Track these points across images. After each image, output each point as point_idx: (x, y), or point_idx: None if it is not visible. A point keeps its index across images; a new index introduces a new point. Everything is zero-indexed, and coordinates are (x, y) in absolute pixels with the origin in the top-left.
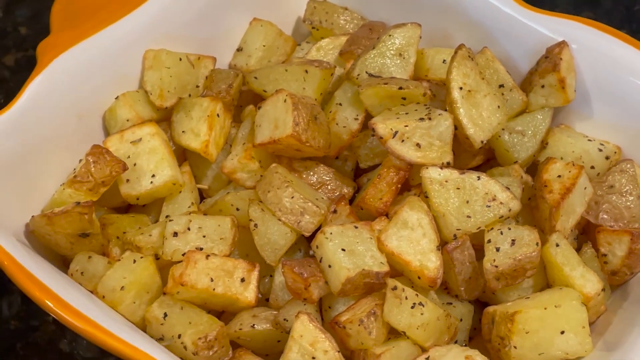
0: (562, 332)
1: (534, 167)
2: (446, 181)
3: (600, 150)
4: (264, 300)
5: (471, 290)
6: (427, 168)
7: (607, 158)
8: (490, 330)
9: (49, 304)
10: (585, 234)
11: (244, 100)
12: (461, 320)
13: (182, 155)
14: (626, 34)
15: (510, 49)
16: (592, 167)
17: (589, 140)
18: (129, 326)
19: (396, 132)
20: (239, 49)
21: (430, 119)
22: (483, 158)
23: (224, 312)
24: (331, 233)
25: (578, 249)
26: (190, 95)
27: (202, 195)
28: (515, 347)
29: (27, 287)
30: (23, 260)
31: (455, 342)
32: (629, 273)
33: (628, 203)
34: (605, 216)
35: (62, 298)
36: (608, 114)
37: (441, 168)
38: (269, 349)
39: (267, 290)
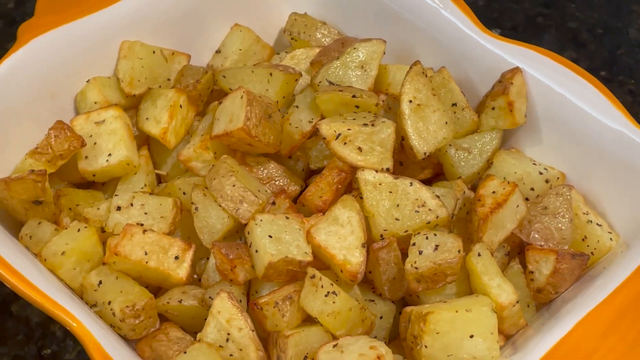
0: (471, 336)
1: None
2: (380, 184)
3: (541, 173)
4: (197, 281)
5: (395, 290)
6: (363, 170)
7: (547, 181)
8: (406, 329)
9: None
10: (522, 255)
11: (214, 98)
12: (381, 317)
13: (146, 142)
14: (606, 75)
15: (471, 72)
16: (532, 189)
17: (534, 163)
18: (61, 289)
19: (339, 134)
20: (218, 51)
21: (373, 125)
22: (432, 172)
23: (160, 289)
24: (261, 220)
25: (508, 265)
26: (160, 87)
27: (161, 182)
28: (426, 347)
29: None
30: None
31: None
32: (553, 292)
33: (560, 225)
34: (536, 235)
35: (8, 263)
36: (556, 141)
37: (377, 171)
38: (197, 326)
39: (202, 272)
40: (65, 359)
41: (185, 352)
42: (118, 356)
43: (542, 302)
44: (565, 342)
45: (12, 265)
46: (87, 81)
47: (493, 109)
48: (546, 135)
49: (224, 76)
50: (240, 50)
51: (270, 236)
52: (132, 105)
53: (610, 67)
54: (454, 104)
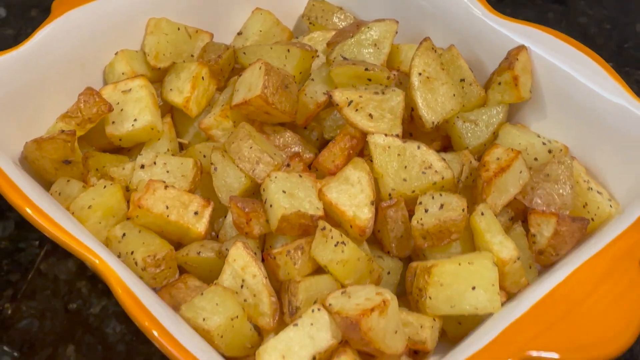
0: (473, 288)
1: None
2: (389, 147)
3: (545, 144)
4: (215, 237)
5: (402, 248)
6: (373, 134)
7: (550, 152)
8: (411, 283)
9: (29, 211)
10: (526, 222)
11: (235, 75)
12: (389, 273)
13: (170, 112)
14: (613, 66)
15: (479, 52)
16: (536, 159)
17: (537, 136)
18: (87, 233)
19: (351, 102)
20: (239, 33)
21: (383, 93)
22: (440, 144)
23: (180, 246)
24: (276, 177)
25: (511, 228)
26: (184, 62)
27: (183, 149)
28: (430, 298)
29: (13, 199)
30: (16, 180)
31: None
32: (554, 254)
33: (561, 191)
34: (538, 200)
35: (40, 208)
36: (560, 116)
37: (386, 135)
38: (214, 278)
39: (220, 229)
40: (90, 312)
41: (202, 294)
42: (137, 290)
43: (544, 264)
44: (560, 288)
45: (41, 208)
46: (116, 53)
47: (499, 84)
48: (550, 111)
49: (244, 53)
50: (260, 31)
51: (284, 191)
52: (158, 79)
53: (617, 59)
54: (462, 80)
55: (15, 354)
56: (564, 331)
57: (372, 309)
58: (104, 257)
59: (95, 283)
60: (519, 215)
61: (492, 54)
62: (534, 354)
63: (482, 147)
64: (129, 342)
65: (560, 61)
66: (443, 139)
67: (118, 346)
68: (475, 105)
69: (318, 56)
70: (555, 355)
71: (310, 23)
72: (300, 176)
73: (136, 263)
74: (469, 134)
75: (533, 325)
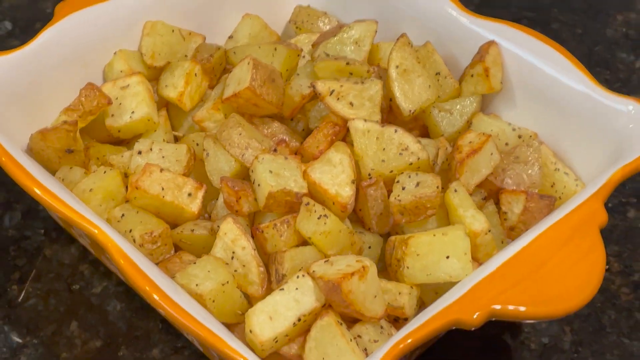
0: (447, 257)
1: None
2: (368, 131)
3: (514, 130)
4: (208, 218)
5: (382, 224)
6: (354, 119)
7: (519, 137)
8: (391, 255)
9: (37, 191)
10: (499, 203)
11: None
12: (370, 247)
13: (165, 107)
14: (585, 68)
15: (454, 49)
16: (507, 144)
17: (508, 124)
18: (87, 209)
19: (333, 91)
20: (230, 37)
21: (363, 83)
22: (418, 133)
23: (176, 226)
24: (263, 158)
25: (484, 207)
26: (178, 61)
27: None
28: (407, 268)
29: (23, 181)
30: (26, 165)
31: None
32: (524, 229)
33: (530, 171)
34: (508, 180)
35: (47, 188)
36: (529, 106)
37: (365, 120)
38: (207, 253)
39: (212, 210)
40: (92, 292)
41: (195, 263)
42: (136, 258)
43: (515, 239)
44: (525, 250)
45: (48, 187)
46: (115, 53)
47: (472, 76)
48: (520, 101)
49: (234, 52)
50: (250, 34)
51: (270, 171)
52: (154, 77)
53: (588, 60)
54: (438, 73)
55: (23, 330)
56: (529, 288)
57: (352, 273)
58: (103, 228)
59: (97, 266)
60: (491, 196)
61: (465, 51)
62: (499, 307)
63: (456, 135)
64: (129, 318)
65: (528, 54)
66: (421, 129)
67: (119, 323)
68: (450, 96)
69: (304, 56)
70: (523, 308)
71: (296, 27)
72: (286, 158)
73: (134, 240)
74: (444, 122)
75: (499, 283)
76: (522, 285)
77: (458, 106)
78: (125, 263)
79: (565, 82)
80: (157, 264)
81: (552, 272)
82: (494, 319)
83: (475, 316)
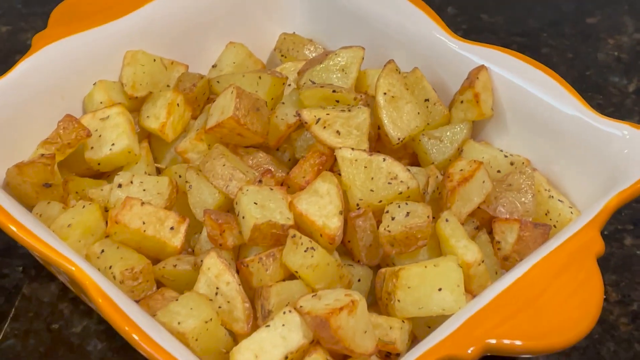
0: (440, 289)
1: None
2: (356, 160)
3: (506, 157)
4: (191, 253)
5: (371, 256)
6: (341, 148)
7: (512, 164)
8: (381, 288)
9: (12, 228)
10: (492, 233)
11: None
12: (359, 280)
13: (147, 139)
14: (577, 93)
15: (443, 74)
16: (498, 171)
17: (500, 150)
18: (65, 246)
19: (319, 119)
20: (214, 66)
21: (350, 111)
22: (408, 162)
23: (158, 262)
24: (247, 190)
25: (476, 236)
26: (160, 91)
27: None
28: (399, 301)
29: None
30: (2, 200)
31: None
32: (518, 259)
33: (523, 199)
34: (502, 209)
35: (23, 224)
36: (521, 131)
37: (353, 149)
38: (190, 288)
39: (195, 245)
40: (72, 331)
41: (177, 300)
42: (115, 296)
43: (509, 269)
44: (519, 282)
45: (24, 224)
46: (94, 84)
47: (462, 102)
48: (512, 127)
49: (218, 81)
50: (234, 63)
51: (255, 203)
52: (135, 108)
53: (580, 85)
54: (427, 100)
55: None
56: (524, 321)
57: (341, 308)
58: (81, 265)
59: (77, 304)
60: (484, 225)
61: (455, 76)
62: (494, 342)
63: (447, 162)
64: (111, 359)
65: (519, 79)
66: (410, 157)
67: None
68: (439, 123)
69: (289, 85)
70: (519, 342)
71: (282, 55)
72: (272, 189)
73: (114, 277)
74: (434, 150)
75: (494, 316)
76: (518, 318)
77: (448, 133)
78: (103, 302)
79: (557, 107)
80: (138, 301)
81: (548, 303)
82: (489, 353)
83: (469, 351)
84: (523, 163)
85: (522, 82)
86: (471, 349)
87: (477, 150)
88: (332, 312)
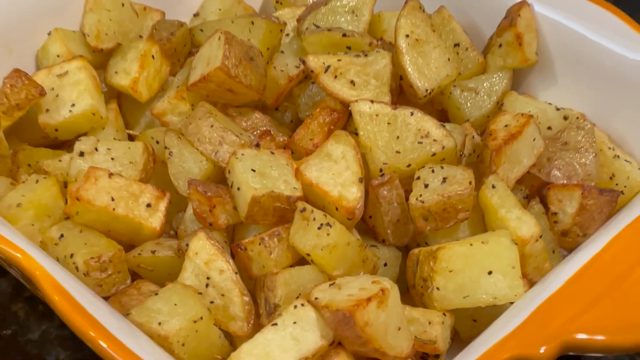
0: (490, 273)
1: None
2: (377, 115)
3: (558, 110)
4: (174, 236)
5: (399, 234)
6: (357, 101)
7: (565, 118)
8: (414, 274)
9: None
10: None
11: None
12: (385, 265)
13: (116, 99)
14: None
15: (473, 15)
16: (549, 128)
17: (549, 104)
18: (12, 229)
19: (328, 67)
20: (196, 14)
21: (366, 56)
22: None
23: (132, 247)
24: (242, 154)
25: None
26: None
27: None
28: (437, 289)
29: None
30: None
31: None
32: (581, 234)
33: (583, 160)
34: (557, 173)
35: None
36: (573, 81)
37: (372, 102)
38: (174, 280)
39: (179, 225)
40: (27, 338)
41: (156, 294)
42: (77, 292)
43: (569, 247)
44: (597, 261)
45: None
46: (49, 34)
47: (500, 46)
48: (561, 76)
49: (201, 30)
50: (220, 10)
51: (253, 170)
52: (101, 63)
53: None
54: (457, 44)
55: None
56: (607, 311)
57: (369, 298)
58: (31, 252)
59: (34, 305)
60: (533, 193)
61: (488, 17)
62: (574, 337)
63: (484, 120)
64: None
65: (569, 18)
66: (438, 114)
67: None
68: (473, 73)
69: (287, 34)
70: (601, 338)
71: (277, 2)
72: (273, 153)
73: (77, 268)
74: (469, 104)
75: (569, 303)
76: (599, 306)
77: (485, 84)
78: (60, 299)
79: (619, 50)
80: (108, 297)
81: (635, 288)
82: (565, 353)
83: (542, 350)
84: (578, 117)
85: (573, 22)
86: (543, 347)
87: (522, 104)
88: (358, 305)
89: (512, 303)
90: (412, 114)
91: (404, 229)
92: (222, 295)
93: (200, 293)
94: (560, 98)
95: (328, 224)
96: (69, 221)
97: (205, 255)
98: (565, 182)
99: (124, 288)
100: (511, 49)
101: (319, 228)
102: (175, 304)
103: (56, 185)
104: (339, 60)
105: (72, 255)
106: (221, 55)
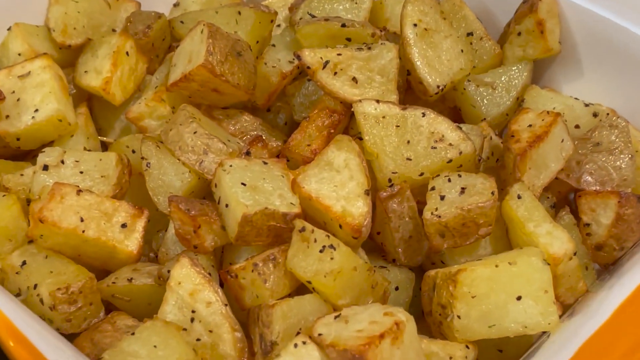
0: (519, 298)
1: None
2: (383, 117)
3: (587, 106)
4: (154, 259)
5: (412, 253)
6: (360, 101)
7: (595, 115)
8: (430, 299)
9: None
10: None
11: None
12: (397, 288)
13: (87, 102)
14: None
15: (488, 0)
16: (577, 127)
17: (576, 99)
18: None
19: (327, 62)
20: (176, 4)
21: (369, 49)
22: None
23: (106, 273)
24: (231, 165)
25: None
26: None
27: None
28: (459, 317)
29: None
30: None
31: None
32: (617, 247)
33: (618, 163)
34: (589, 178)
35: None
36: (600, 73)
37: (378, 102)
38: (155, 312)
39: (160, 247)
40: None
41: (133, 334)
42: (38, 338)
43: (604, 263)
44: None
45: None
46: (8, 29)
47: (519, 34)
48: (587, 67)
49: (181, 22)
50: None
51: (243, 184)
52: (68, 62)
53: None
54: (470, 34)
55: None
56: None
57: (382, 335)
58: None
59: None
60: (561, 201)
61: (504, 2)
62: None
63: (503, 118)
64: None
65: (596, 1)
66: (450, 113)
67: None
68: (489, 65)
69: (278, 25)
70: None
71: None
72: (266, 163)
73: (42, 301)
74: (485, 101)
75: (622, 339)
76: None
77: (503, 78)
78: (16, 346)
79: None
80: (78, 334)
81: None
82: None
83: None
84: (608, 114)
85: (600, 5)
86: None
87: (545, 99)
88: (369, 343)
89: (544, 332)
90: (423, 114)
91: (417, 247)
92: (210, 331)
93: (184, 329)
94: (587, 92)
95: (331, 246)
96: (32, 245)
97: (189, 285)
98: (598, 188)
99: (96, 322)
100: (532, 38)
101: (321, 251)
102: (155, 346)
103: (17, 204)
104: (339, 54)
105: (35, 286)
106: (204, 50)
